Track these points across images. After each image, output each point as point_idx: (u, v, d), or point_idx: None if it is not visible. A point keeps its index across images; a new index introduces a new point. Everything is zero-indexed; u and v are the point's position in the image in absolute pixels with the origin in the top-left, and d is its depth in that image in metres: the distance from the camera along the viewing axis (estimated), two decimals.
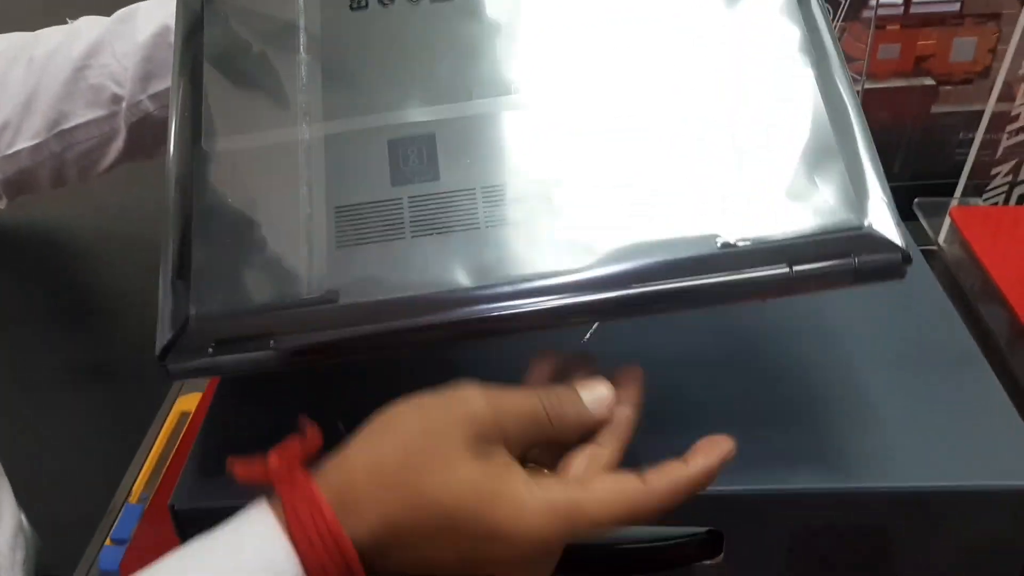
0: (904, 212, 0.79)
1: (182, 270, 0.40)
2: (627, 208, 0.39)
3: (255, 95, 0.44)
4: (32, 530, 0.62)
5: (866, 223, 0.38)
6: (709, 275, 0.38)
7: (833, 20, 0.72)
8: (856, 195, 0.39)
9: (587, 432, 0.37)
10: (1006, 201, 0.79)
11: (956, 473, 0.43)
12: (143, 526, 0.56)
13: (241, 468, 0.34)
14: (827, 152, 0.40)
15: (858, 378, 0.48)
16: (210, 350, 0.38)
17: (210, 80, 0.44)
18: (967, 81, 0.79)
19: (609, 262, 0.38)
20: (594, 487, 0.34)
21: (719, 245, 0.38)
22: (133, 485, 0.62)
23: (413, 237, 0.39)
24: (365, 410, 0.39)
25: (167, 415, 0.67)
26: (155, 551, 0.53)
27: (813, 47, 0.42)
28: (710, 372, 0.48)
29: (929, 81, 0.79)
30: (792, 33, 0.43)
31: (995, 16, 0.77)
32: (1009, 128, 0.75)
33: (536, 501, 0.33)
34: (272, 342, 0.38)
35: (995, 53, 0.78)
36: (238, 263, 0.40)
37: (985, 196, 0.79)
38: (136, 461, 0.65)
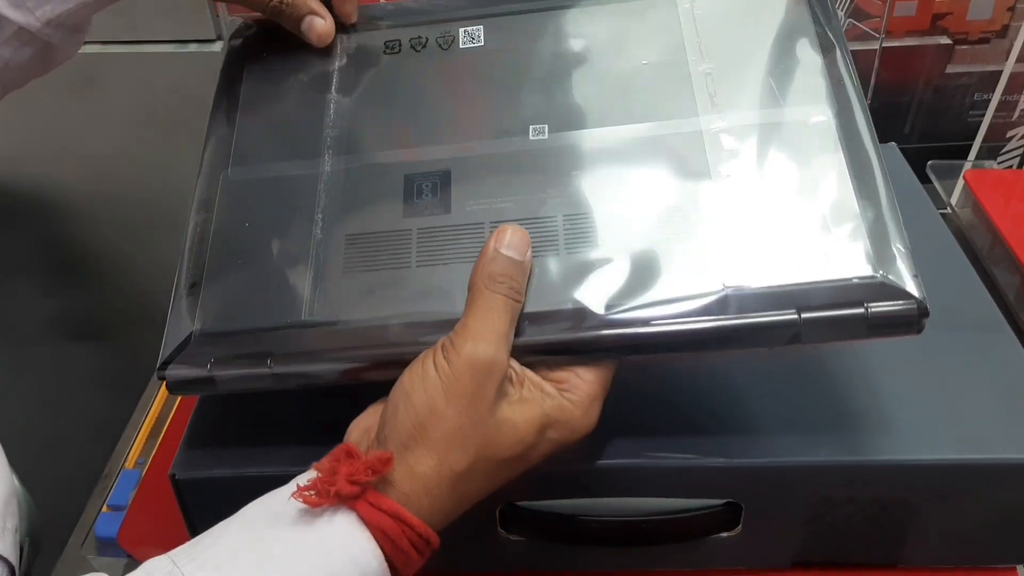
0: (917, 174, 0.78)
1: (192, 288, 0.42)
2: (634, 248, 0.39)
3: (285, 129, 0.46)
4: (27, 494, 0.61)
5: (880, 272, 0.37)
6: (712, 318, 0.37)
7: None
8: (872, 244, 0.37)
9: None
10: (1021, 164, 0.78)
11: (977, 445, 0.42)
12: (141, 493, 0.54)
13: (310, 499, 0.34)
14: (844, 200, 0.39)
15: (879, 346, 0.47)
16: (208, 366, 0.40)
17: (245, 112, 0.47)
18: (984, 40, 0.77)
19: (611, 301, 0.38)
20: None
21: (723, 287, 0.37)
22: (129, 450, 0.60)
23: (418, 267, 0.40)
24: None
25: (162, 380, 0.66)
26: (154, 518, 0.52)
27: (836, 96, 0.41)
28: None
29: (945, 40, 0.77)
30: (816, 82, 0.42)
31: None
32: None
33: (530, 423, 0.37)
34: (269, 361, 0.39)
35: (1014, 12, 0.76)
36: (246, 284, 0.42)
37: (999, 159, 0.77)
38: (132, 425, 0.63)
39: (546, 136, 0.43)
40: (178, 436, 0.45)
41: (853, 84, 0.42)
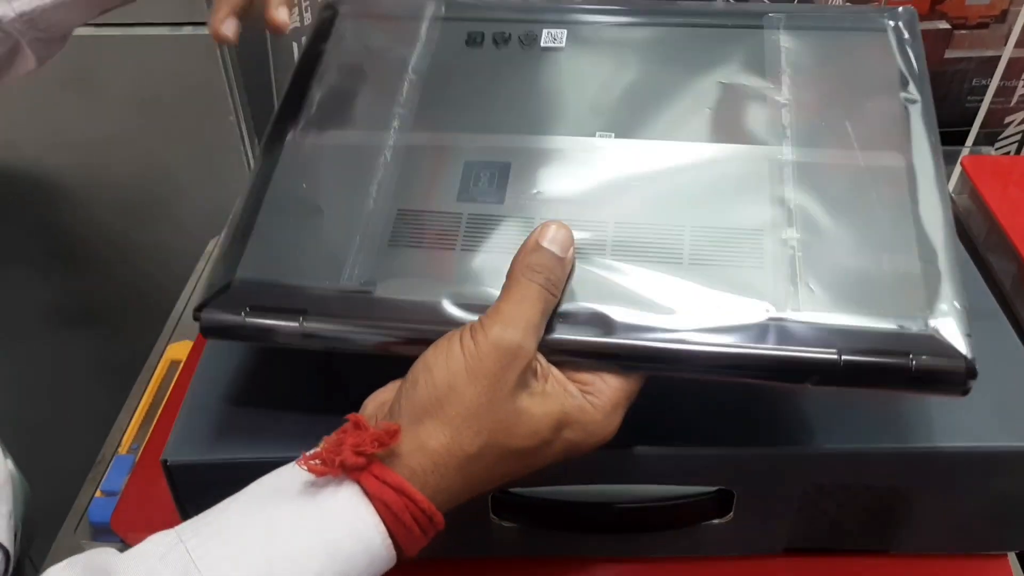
0: None
1: (241, 236, 0.42)
2: (681, 264, 0.39)
3: (357, 101, 0.47)
4: (22, 478, 0.61)
5: (931, 324, 0.36)
6: (749, 346, 0.36)
7: None
8: (927, 296, 0.36)
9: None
10: (1019, 150, 0.77)
11: (972, 433, 0.42)
12: (134, 478, 0.54)
13: (314, 468, 0.34)
14: (904, 248, 0.38)
15: None
16: (243, 314, 0.40)
17: (321, 79, 0.48)
18: (983, 25, 0.77)
19: (649, 313, 0.37)
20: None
21: (766, 316, 0.37)
22: (122, 435, 0.60)
23: (463, 250, 0.40)
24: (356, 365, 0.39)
25: (156, 363, 0.66)
26: (147, 503, 0.52)
27: (911, 145, 0.41)
28: None
29: (944, 25, 0.77)
30: (893, 130, 0.42)
31: None
32: None
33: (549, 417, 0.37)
34: (301, 319, 0.39)
35: None
36: (293, 241, 0.42)
37: (997, 145, 0.77)
38: (126, 410, 0.63)
39: (611, 142, 0.43)
40: (172, 421, 0.45)
41: (930, 136, 0.42)
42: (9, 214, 0.92)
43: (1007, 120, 0.76)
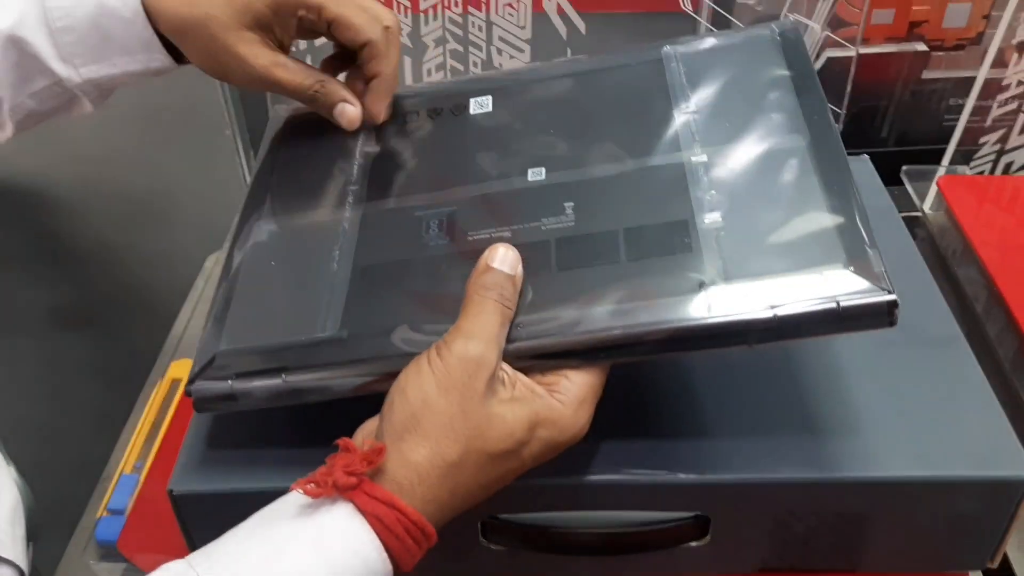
0: (892, 177, 0.80)
1: (221, 315, 0.46)
2: (619, 263, 0.42)
3: (314, 186, 0.52)
4: (25, 485, 0.63)
5: (850, 267, 0.39)
6: (690, 317, 0.39)
7: None
8: (843, 244, 0.40)
9: None
10: (993, 169, 0.80)
11: (933, 463, 0.44)
12: (139, 500, 0.56)
13: (308, 489, 0.37)
14: (816, 209, 0.42)
15: (840, 363, 0.49)
16: (229, 382, 0.43)
17: (281, 174, 0.53)
18: (959, 47, 0.79)
19: (597, 309, 0.41)
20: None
21: (699, 287, 0.40)
22: (125, 453, 0.62)
23: (424, 289, 0.44)
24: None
25: (158, 381, 0.68)
26: (153, 525, 0.54)
27: (808, 127, 0.45)
28: (695, 365, 0.49)
29: (921, 46, 0.79)
30: (790, 117, 0.46)
31: None
32: (1000, 97, 0.75)
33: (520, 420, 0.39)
34: (283, 375, 0.42)
35: (989, 19, 0.77)
36: (267, 309, 0.46)
37: (973, 164, 0.79)
38: (128, 428, 0.65)
39: (543, 177, 0.47)
40: (174, 440, 0.47)
41: (822, 119, 0.45)
42: (9, 224, 0.94)
43: (982, 140, 0.78)
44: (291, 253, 0.49)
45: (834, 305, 0.38)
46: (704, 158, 0.45)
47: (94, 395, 0.87)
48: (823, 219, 0.41)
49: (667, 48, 0.52)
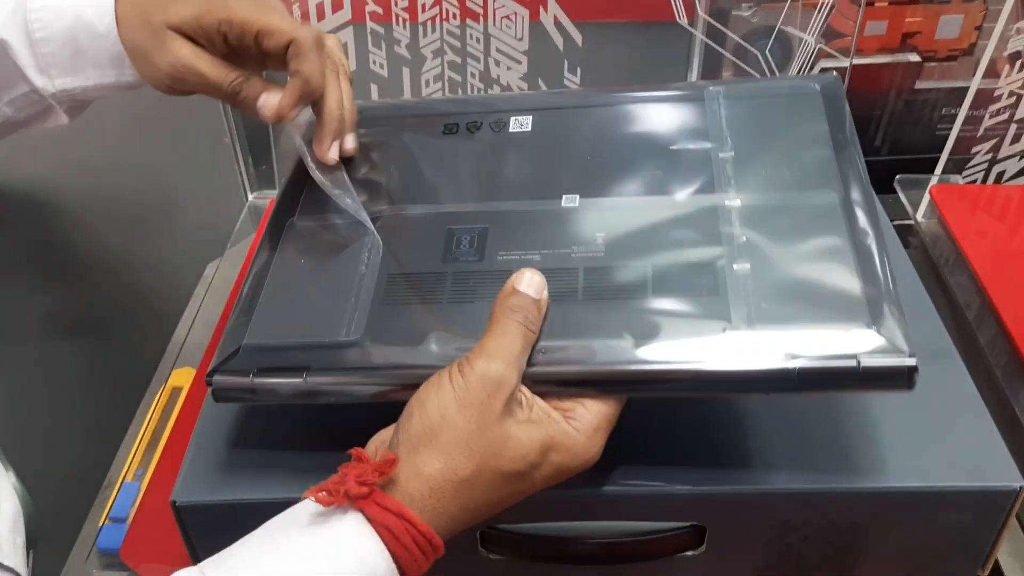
0: (885, 186, 0.81)
1: (248, 310, 0.47)
2: (646, 298, 0.43)
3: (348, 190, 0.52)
4: (25, 492, 0.63)
5: (873, 328, 0.40)
6: (710, 360, 0.40)
7: None
8: (867, 305, 0.40)
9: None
10: (985, 178, 0.81)
11: (925, 474, 0.45)
12: (142, 509, 0.57)
13: (321, 498, 0.37)
14: (844, 266, 0.42)
15: None
16: (251, 376, 0.43)
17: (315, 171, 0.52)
18: (952, 58, 0.80)
19: (619, 342, 0.41)
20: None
21: (725, 335, 0.40)
22: (128, 461, 0.63)
23: (449, 303, 0.45)
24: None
25: (159, 389, 0.68)
26: (155, 534, 0.55)
27: (843, 184, 0.46)
28: None
29: (915, 57, 0.80)
30: (825, 172, 0.47)
31: None
32: (992, 108, 0.76)
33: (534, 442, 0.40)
34: (304, 375, 0.43)
35: (981, 31, 0.78)
36: (295, 308, 0.47)
37: (965, 173, 0.80)
38: (130, 435, 0.66)
39: (576, 204, 0.48)
40: (176, 448, 0.48)
41: (859, 175, 0.47)
42: (10, 230, 0.94)
43: (974, 149, 0.79)
44: (321, 254, 0.49)
45: (854, 364, 0.39)
46: (738, 202, 0.46)
47: (95, 402, 0.87)
48: (850, 277, 0.42)
49: (710, 88, 0.53)
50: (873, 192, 0.46)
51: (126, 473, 0.62)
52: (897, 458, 0.46)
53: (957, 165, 0.80)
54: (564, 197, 0.49)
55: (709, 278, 0.43)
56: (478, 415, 0.39)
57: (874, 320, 0.40)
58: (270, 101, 0.51)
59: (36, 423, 0.93)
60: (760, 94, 0.53)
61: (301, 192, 0.53)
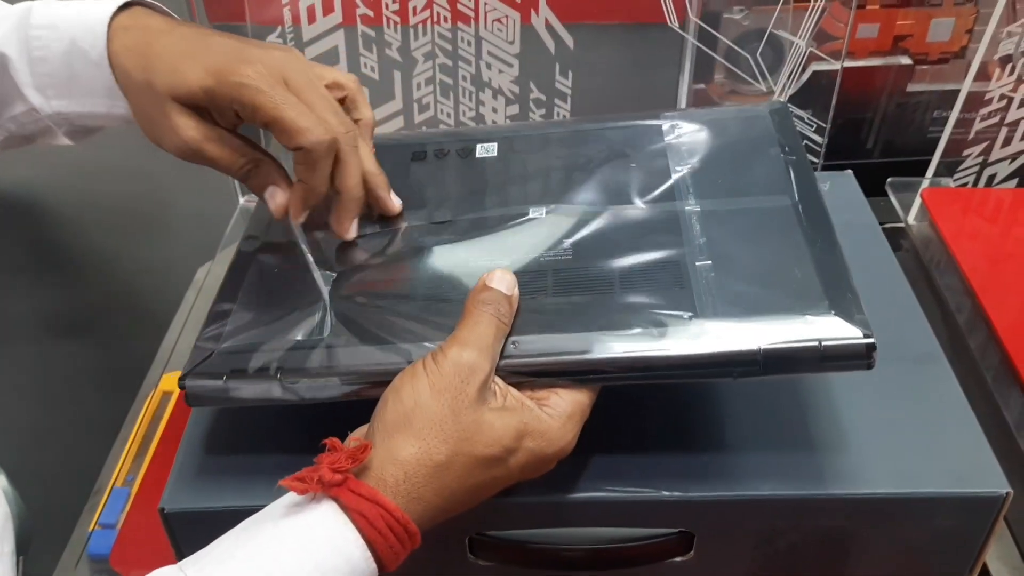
0: (878, 188, 0.81)
1: (222, 316, 0.48)
2: (614, 292, 0.45)
3: (326, 203, 0.52)
4: (15, 494, 0.63)
5: (832, 311, 0.41)
6: (678, 347, 0.41)
7: (815, 0, 0.72)
8: (825, 290, 0.42)
9: None
10: (976, 181, 0.81)
11: (913, 480, 0.45)
12: (131, 514, 0.57)
13: (294, 485, 0.37)
14: (801, 259, 0.44)
15: (821, 381, 0.50)
16: (224, 378, 0.44)
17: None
18: (943, 61, 0.80)
19: (589, 333, 0.42)
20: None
21: (691, 323, 0.42)
22: (118, 466, 0.63)
23: (423, 301, 0.46)
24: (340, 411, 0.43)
25: (149, 393, 0.68)
26: (145, 540, 0.55)
27: (795, 188, 0.49)
28: (679, 384, 0.49)
29: (906, 60, 0.80)
30: (777, 179, 0.50)
31: None
32: (983, 111, 0.76)
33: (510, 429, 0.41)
34: (278, 374, 0.44)
35: (972, 34, 0.78)
36: (270, 313, 0.47)
37: (956, 175, 0.80)
38: (120, 440, 0.66)
39: (543, 215, 0.50)
40: (166, 453, 0.48)
41: (809, 182, 0.49)
42: (2, 232, 0.94)
43: (965, 152, 0.79)
44: (297, 262, 0.50)
45: (816, 344, 0.40)
46: (697, 208, 0.48)
47: (86, 405, 0.87)
48: (807, 268, 0.44)
49: (666, 114, 0.56)
50: (823, 196, 0.48)
51: (116, 478, 0.62)
52: (884, 464, 0.46)
53: (948, 168, 0.80)
54: (531, 210, 0.51)
55: (674, 274, 0.45)
56: (452, 400, 0.39)
57: (832, 304, 0.41)
58: (277, 198, 0.50)
59: (26, 426, 0.93)
60: (713, 118, 0.56)
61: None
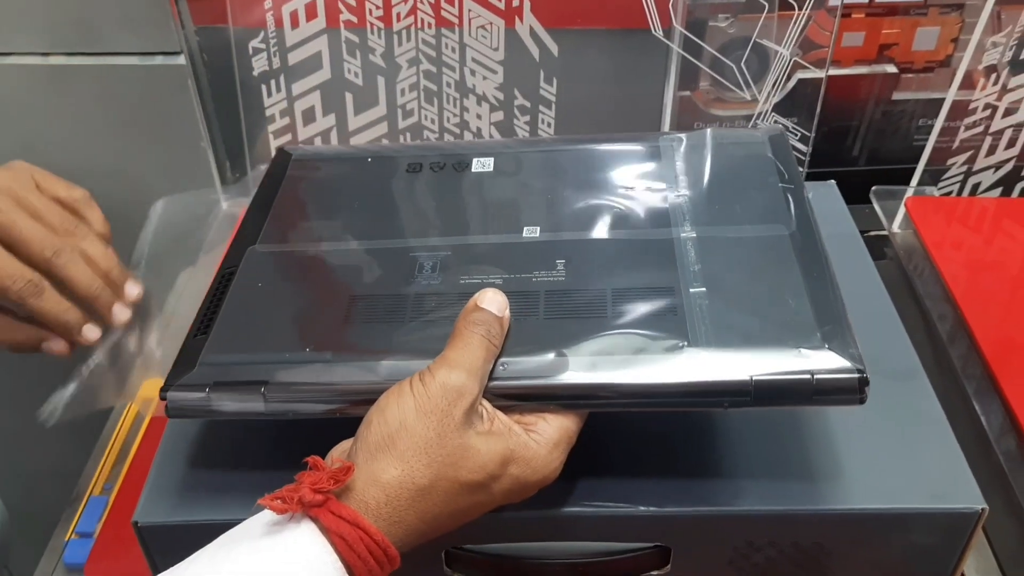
0: (863, 196, 0.81)
1: (206, 329, 0.47)
2: (606, 317, 0.44)
3: (313, 220, 0.54)
4: (5, 511, 0.63)
5: (825, 346, 0.41)
6: (669, 374, 0.41)
7: (800, 9, 0.72)
8: (819, 324, 0.42)
9: None
10: (961, 190, 0.81)
11: (889, 496, 0.45)
12: (108, 523, 0.57)
13: (274, 505, 0.37)
14: (796, 292, 0.44)
15: None
16: (207, 391, 0.43)
17: (278, 206, 0.55)
18: (928, 69, 0.80)
19: (580, 358, 0.42)
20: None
21: (684, 351, 0.41)
22: (95, 475, 0.62)
23: (411, 322, 0.46)
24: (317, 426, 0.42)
25: (129, 401, 0.68)
26: (120, 550, 0.55)
27: (793, 219, 0.49)
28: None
29: (891, 68, 0.80)
30: (775, 209, 0.50)
31: (959, 6, 0.77)
32: (967, 120, 0.76)
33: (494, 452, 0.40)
34: (263, 389, 0.43)
35: (957, 43, 0.78)
36: (253, 328, 0.47)
37: (941, 184, 0.80)
38: (99, 448, 0.65)
39: (538, 235, 0.50)
40: (144, 462, 0.47)
41: (805, 211, 0.49)
42: None
43: (950, 161, 0.79)
44: (283, 278, 0.50)
45: (808, 377, 0.40)
46: (693, 234, 0.48)
47: (67, 429, 0.87)
48: (802, 301, 0.44)
49: (666, 136, 0.56)
50: (819, 227, 0.49)
51: (93, 487, 0.61)
52: (861, 479, 0.46)
53: (933, 176, 0.80)
54: (525, 229, 0.50)
55: (667, 301, 0.44)
56: (438, 423, 0.39)
57: (825, 338, 0.41)
58: (54, 347, 0.52)
59: (6, 431, 0.93)
60: (712, 142, 0.55)
61: (264, 220, 0.54)
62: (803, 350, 0.41)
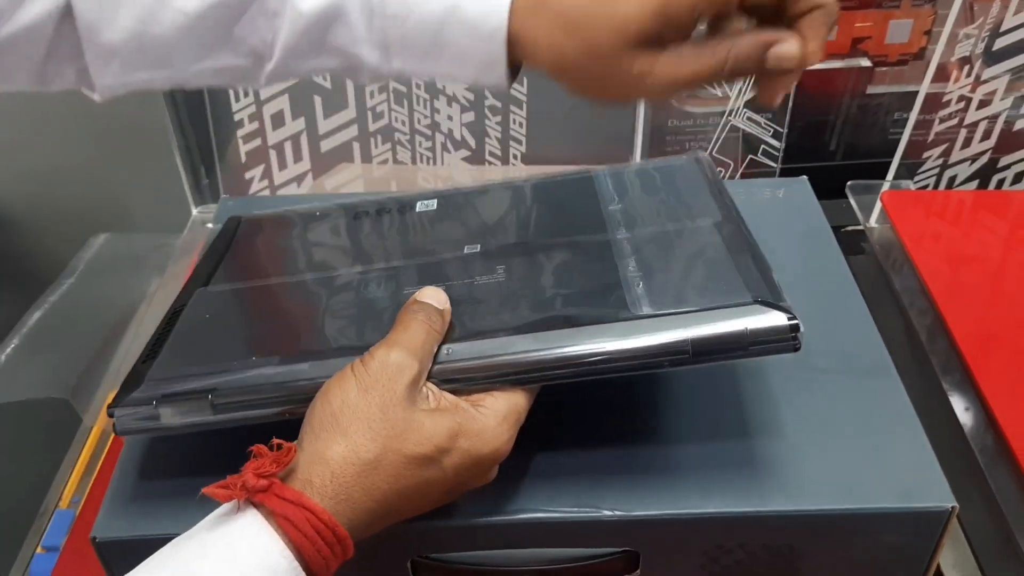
0: (840, 191, 0.81)
1: (150, 356, 0.47)
2: (548, 299, 0.46)
3: (262, 261, 0.57)
4: None
5: (755, 299, 0.42)
6: (608, 341, 0.42)
7: None
8: (746, 283, 0.44)
9: None
10: (937, 183, 0.80)
11: (859, 495, 0.45)
12: (73, 536, 0.56)
13: (217, 492, 0.36)
14: (724, 261, 0.46)
15: (768, 393, 0.50)
16: (155, 403, 0.43)
17: (229, 258, 0.57)
18: (902, 62, 0.79)
19: (526, 335, 0.43)
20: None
21: (621, 319, 0.43)
22: (64, 489, 0.62)
23: (356, 324, 0.47)
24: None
25: (97, 416, 0.67)
26: (87, 561, 0.54)
27: (718, 212, 0.51)
28: (621, 400, 0.49)
29: (865, 62, 0.79)
30: (703, 205, 0.52)
31: None
32: (941, 112, 0.76)
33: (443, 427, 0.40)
34: (211, 396, 0.43)
35: (930, 35, 0.78)
36: (199, 346, 0.48)
37: (917, 178, 0.80)
38: (67, 462, 0.64)
39: (477, 250, 0.52)
40: (110, 477, 0.46)
41: (730, 207, 0.52)
42: None
43: (925, 155, 0.78)
44: (230, 308, 0.52)
45: (743, 329, 0.41)
46: (628, 235, 0.50)
47: (33, 423, 0.86)
48: (730, 269, 0.45)
49: (597, 167, 0.59)
50: (740, 214, 0.51)
51: (61, 500, 0.60)
52: (830, 479, 0.45)
53: (909, 170, 0.80)
54: (466, 247, 0.52)
55: (604, 280, 0.46)
56: (379, 397, 0.39)
57: (755, 295, 0.43)
58: (789, 51, 0.40)
59: None
60: (641, 168, 0.59)
61: (216, 266, 0.56)
62: (735, 307, 0.42)
